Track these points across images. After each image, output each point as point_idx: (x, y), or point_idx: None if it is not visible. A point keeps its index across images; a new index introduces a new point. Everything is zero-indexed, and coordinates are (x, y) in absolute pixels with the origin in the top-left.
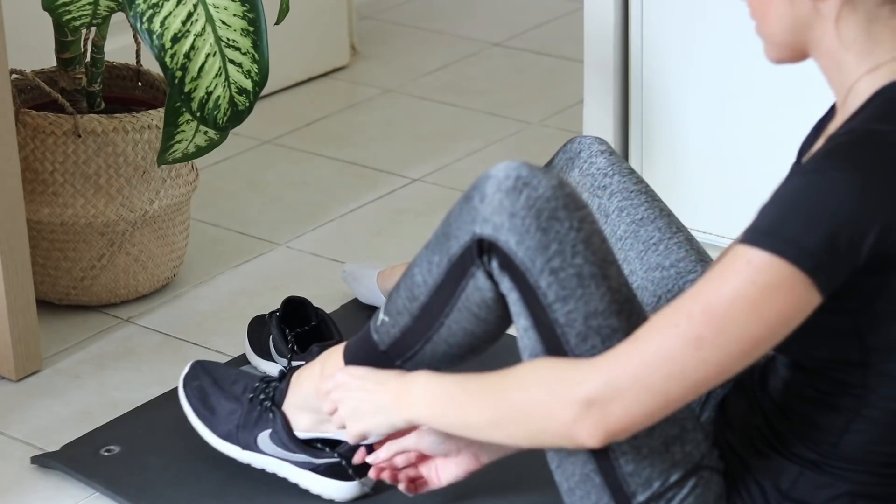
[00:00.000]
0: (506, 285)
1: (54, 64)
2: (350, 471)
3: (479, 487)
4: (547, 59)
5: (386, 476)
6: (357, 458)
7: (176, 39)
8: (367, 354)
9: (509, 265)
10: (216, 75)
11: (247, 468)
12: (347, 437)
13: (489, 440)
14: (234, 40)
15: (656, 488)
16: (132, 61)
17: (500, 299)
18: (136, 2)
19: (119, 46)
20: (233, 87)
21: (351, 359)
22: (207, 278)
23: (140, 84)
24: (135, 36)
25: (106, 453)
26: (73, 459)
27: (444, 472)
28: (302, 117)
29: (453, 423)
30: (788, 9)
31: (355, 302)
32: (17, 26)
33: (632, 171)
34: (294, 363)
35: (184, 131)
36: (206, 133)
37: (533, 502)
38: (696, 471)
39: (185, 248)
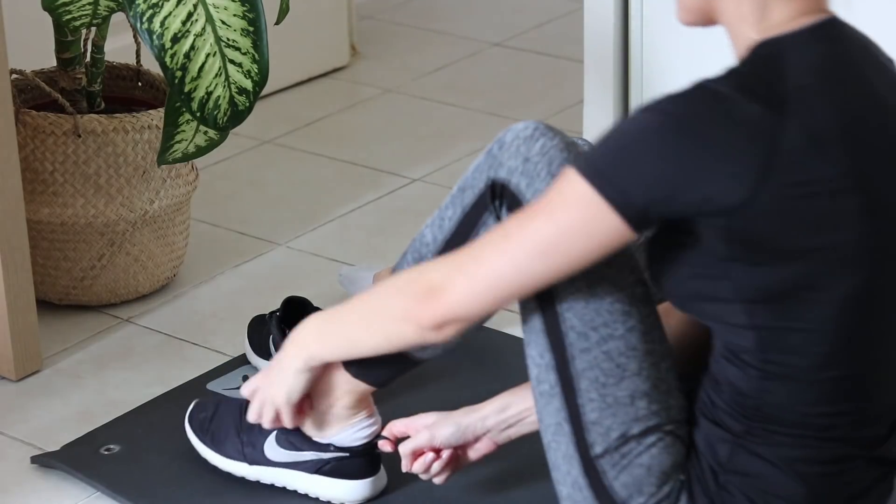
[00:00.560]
0: None
1: (54, 64)
2: (373, 457)
3: (479, 484)
4: (547, 59)
5: (419, 468)
6: (387, 447)
7: (176, 39)
8: None
9: (517, 208)
10: (216, 75)
11: None
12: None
13: (367, 350)
14: (234, 40)
15: (613, 440)
16: (132, 61)
17: None
18: (136, 2)
19: (119, 46)
20: (233, 87)
21: None
22: (207, 278)
23: (140, 84)
24: (135, 36)
25: (106, 453)
26: (73, 459)
27: (471, 453)
28: (302, 117)
29: (341, 344)
30: None
31: None
32: (17, 26)
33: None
34: None
35: (184, 131)
36: (206, 133)
37: (533, 496)
38: (657, 429)
39: (184, 248)
